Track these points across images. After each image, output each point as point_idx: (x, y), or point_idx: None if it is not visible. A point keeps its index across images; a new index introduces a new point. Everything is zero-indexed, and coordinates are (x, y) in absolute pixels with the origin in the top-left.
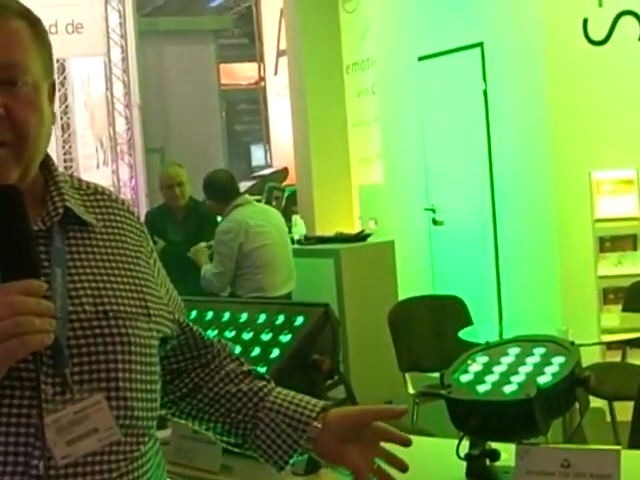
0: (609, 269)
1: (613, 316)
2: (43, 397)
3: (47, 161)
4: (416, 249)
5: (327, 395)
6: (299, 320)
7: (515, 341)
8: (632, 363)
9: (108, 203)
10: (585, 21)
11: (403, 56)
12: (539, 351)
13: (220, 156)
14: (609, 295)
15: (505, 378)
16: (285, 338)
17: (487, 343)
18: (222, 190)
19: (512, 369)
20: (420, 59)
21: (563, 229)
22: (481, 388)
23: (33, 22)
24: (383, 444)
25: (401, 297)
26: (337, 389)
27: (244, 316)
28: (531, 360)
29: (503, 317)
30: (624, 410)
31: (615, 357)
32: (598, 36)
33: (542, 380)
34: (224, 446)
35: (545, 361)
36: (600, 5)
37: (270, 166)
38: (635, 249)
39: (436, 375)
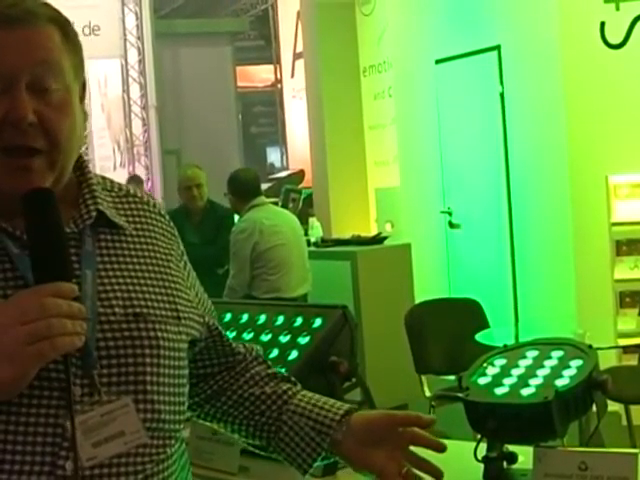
0: (626, 273)
1: (629, 320)
2: (71, 398)
3: (80, 163)
4: (432, 252)
5: (344, 397)
6: (317, 322)
7: (533, 344)
8: None
9: (140, 206)
10: (602, 24)
11: (420, 59)
12: (557, 354)
13: (236, 158)
14: (625, 299)
15: (523, 381)
16: (303, 340)
17: (505, 346)
18: (245, 188)
19: (530, 372)
20: (437, 62)
21: (580, 232)
22: (499, 391)
23: (63, 25)
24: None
25: (417, 300)
26: (355, 391)
27: (262, 318)
28: (549, 363)
29: (519, 320)
30: (639, 414)
31: (631, 361)
32: (615, 39)
33: (560, 383)
34: (244, 447)
35: (563, 364)
36: (617, 9)
37: (286, 168)
38: None
39: (451, 378)
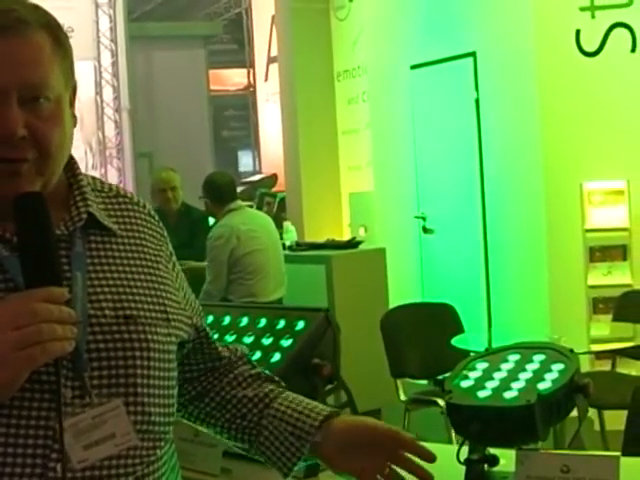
0: (599, 279)
1: (603, 325)
2: (62, 401)
3: (71, 165)
4: (406, 257)
5: (326, 400)
6: (300, 325)
7: (515, 348)
8: (622, 372)
9: (130, 206)
10: (578, 32)
11: (396, 64)
12: (539, 358)
13: (208, 162)
14: (599, 305)
15: (505, 384)
16: (286, 342)
17: (487, 350)
18: (221, 192)
19: (512, 375)
20: (413, 67)
21: (554, 239)
22: (482, 394)
23: (54, 30)
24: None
25: (391, 304)
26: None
27: (244, 320)
28: (531, 367)
29: (492, 325)
30: (612, 419)
31: (604, 366)
32: (590, 47)
33: (542, 386)
34: (226, 449)
35: (545, 368)
36: (593, 17)
37: (259, 172)
38: (625, 259)
39: (424, 382)
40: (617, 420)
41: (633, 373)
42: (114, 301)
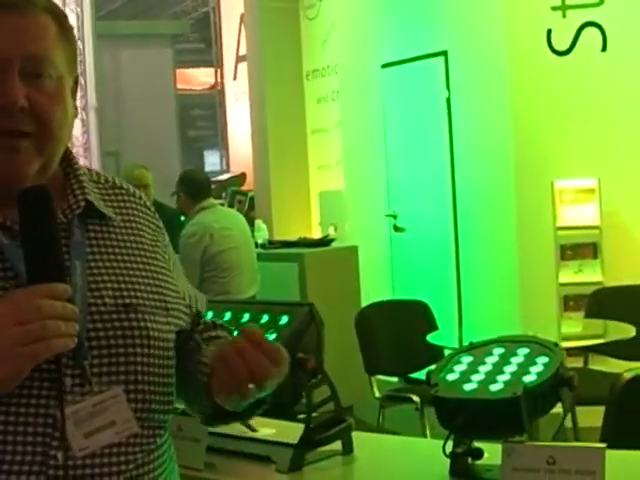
0: (570, 277)
1: (574, 323)
2: (62, 389)
3: (67, 154)
4: (377, 255)
5: (311, 394)
6: (284, 319)
7: (499, 341)
8: (594, 369)
9: (126, 197)
10: (549, 31)
11: (366, 63)
12: (523, 351)
13: (175, 161)
14: (570, 302)
15: (491, 377)
16: (270, 337)
17: (471, 343)
18: (197, 188)
19: (497, 369)
20: (383, 66)
21: (525, 236)
22: (468, 387)
23: (59, 17)
24: None
25: (363, 302)
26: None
27: (227, 315)
28: (515, 360)
29: (463, 323)
30: (584, 416)
31: (576, 363)
32: (562, 46)
33: (528, 379)
34: (209, 444)
35: (529, 361)
36: (564, 16)
37: (227, 171)
38: (595, 257)
39: (395, 380)
40: (589, 417)
41: (605, 369)
42: (114, 289)
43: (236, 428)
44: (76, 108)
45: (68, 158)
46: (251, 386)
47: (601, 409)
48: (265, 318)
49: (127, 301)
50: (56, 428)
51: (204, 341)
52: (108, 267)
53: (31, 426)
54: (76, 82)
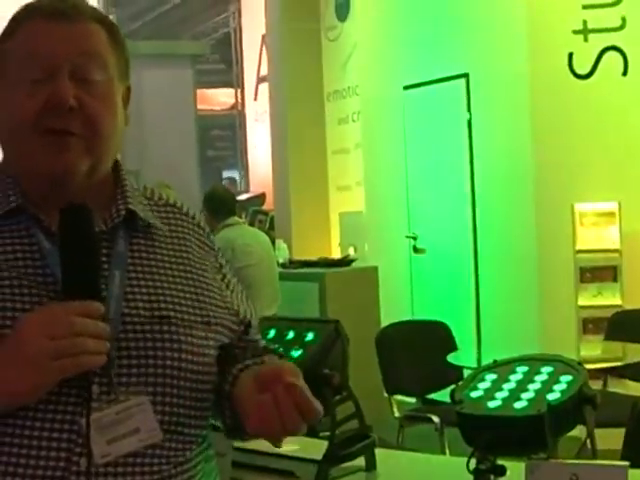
0: (589, 299)
1: (593, 345)
2: (88, 396)
3: (117, 165)
4: (397, 276)
5: (336, 410)
6: (309, 336)
7: (522, 360)
8: (613, 391)
9: (177, 215)
10: (570, 55)
11: (388, 84)
12: (547, 369)
13: (195, 180)
14: (589, 325)
15: (515, 395)
16: (296, 353)
17: (495, 361)
18: (221, 205)
19: (521, 386)
20: (405, 88)
21: (544, 259)
22: (492, 404)
23: (110, 27)
24: None
25: (382, 323)
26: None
27: None
28: (539, 378)
29: (482, 345)
30: (603, 438)
31: (595, 386)
32: (583, 70)
33: (551, 397)
34: (235, 459)
35: (553, 379)
36: (585, 40)
37: (247, 191)
38: (615, 280)
39: (412, 401)
40: (608, 439)
41: (624, 392)
42: (150, 301)
43: (260, 444)
44: (127, 117)
45: (118, 169)
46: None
47: (620, 431)
48: (291, 334)
49: (163, 313)
50: (80, 434)
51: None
52: (148, 279)
53: (56, 432)
54: (128, 91)
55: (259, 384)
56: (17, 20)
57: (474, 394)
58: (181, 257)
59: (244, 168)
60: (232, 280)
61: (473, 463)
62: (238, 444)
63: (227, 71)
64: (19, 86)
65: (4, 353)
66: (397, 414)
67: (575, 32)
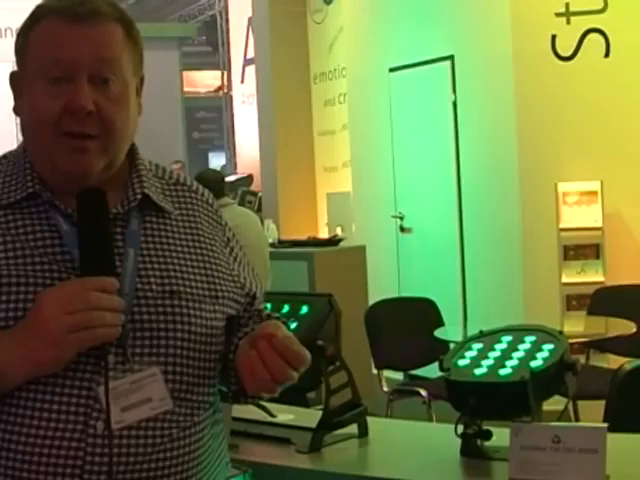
0: (572, 277)
1: (576, 321)
2: (105, 366)
3: (133, 150)
4: (383, 255)
5: (329, 379)
6: (304, 309)
7: (507, 330)
8: (595, 365)
9: (187, 193)
10: (553, 37)
11: (374, 67)
12: (530, 339)
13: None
14: (572, 301)
15: (500, 363)
16: (292, 325)
17: (481, 332)
18: (212, 187)
19: (506, 355)
20: (391, 70)
21: (529, 237)
22: (478, 371)
23: (126, 24)
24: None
25: (370, 301)
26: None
27: None
28: (523, 347)
29: (467, 321)
30: (586, 411)
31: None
32: (566, 52)
33: (534, 364)
34: (233, 428)
35: (536, 348)
36: (568, 22)
37: (234, 173)
38: (597, 258)
39: (398, 377)
40: (591, 411)
41: (606, 366)
42: (162, 277)
43: (256, 413)
44: (140, 106)
45: (133, 154)
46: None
47: (602, 403)
48: (286, 308)
49: (174, 288)
50: (97, 401)
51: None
52: (160, 256)
53: (75, 397)
54: (142, 81)
55: (249, 345)
56: (38, 14)
57: (461, 362)
58: (191, 234)
59: (231, 150)
60: (239, 253)
61: (461, 428)
62: (236, 414)
63: (212, 53)
64: (39, 81)
65: (27, 328)
66: (386, 388)
67: (558, 14)
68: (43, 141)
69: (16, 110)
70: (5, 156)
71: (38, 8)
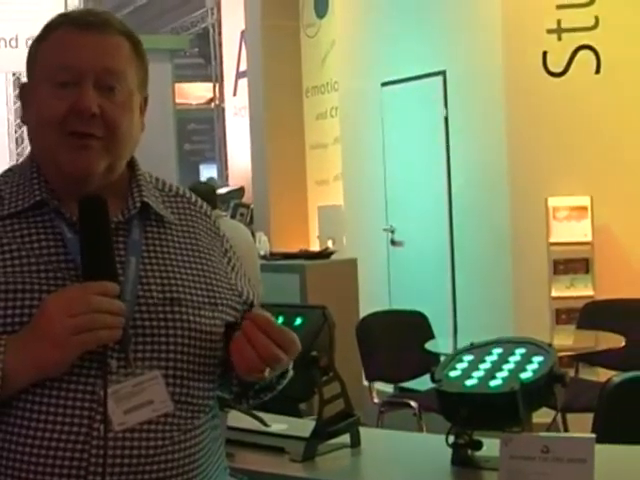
0: (562, 291)
1: (565, 335)
2: (107, 370)
3: (133, 162)
4: (374, 268)
5: (323, 390)
6: (298, 320)
7: (497, 342)
8: (584, 378)
9: (187, 205)
10: (544, 54)
11: (366, 81)
12: (520, 351)
13: (173, 175)
14: (562, 315)
15: (490, 374)
16: None
17: (472, 344)
18: (203, 199)
19: (496, 366)
20: (383, 84)
21: (519, 251)
22: (469, 382)
23: (134, 41)
24: None
25: (361, 313)
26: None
27: None
28: (513, 359)
29: (457, 334)
30: (575, 423)
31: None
32: (557, 68)
33: (524, 376)
34: (228, 436)
35: (526, 360)
36: (559, 39)
37: (226, 185)
38: (587, 272)
39: (389, 390)
40: (579, 424)
41: (595, 379)
42: (162, 285)
43: (251, 423)
44: (143, 124)
45: (133, 165)
46: (264, 368)
47: (590, 416)
48: (280, 319)
49: (175, 295)
50: (100, 404)
51: None
52: (160, 264)
53: (79, 401)
54: (145, 101)
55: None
56: (51, 26)
57: (453, 374)
58: (190, 244)
59: (222, 162)
60: (236, 264)
61: (452, 438)
62: (230, 423)
63: (204, 66)
64: (46, 85)
65: (32, 331)
66: (377, 400)
67: (549, 31)
68: (48, 141)
69: (24, 119)
70: (11, 169)
71: (52, 21)
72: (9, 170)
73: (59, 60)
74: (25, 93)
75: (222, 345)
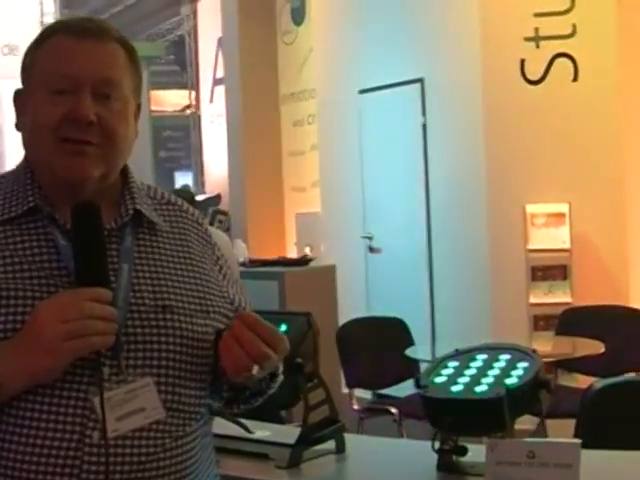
0: (540, 297)
1: (543, 341)
2: (101, 377)
3: (125, 170)
4: (353, 275)
5: (308, 396)
6: (282, 327)
7: (482, 348)
8: (563, 384)
9: (178, 213)
10: (522, 61)
11: (344, 88)
12: (505, 357)
13: (149, 182)
14: (540, 322)
15: (476, 380)
16: None
17: (457, 350)
18: None
19: (481, 372)
20: (361, 92)
21: (497, 258)
22: (454, 388)
23: (129, 49)
24: None
25: (340, 320)
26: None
27: None
28: (498, 365)
29: (436, 341)
30: (554, 429)
31: None
32: (534, 76)
33: (509, 382)
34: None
35: (511, 365)
36: (537, 47)
37: (202, 192)
38: (565, 279)
39: (367, 397)
40: (559, 430)
41: (574, 385)
42: (154, 292)
43: (234, 430)
44: (136, 131)
45: (126, 175)
46: (252, 366)
47: (570, 422)
48: None
49: (166, 303)
50: (93, 411)
51: None
52: (152, 271)
53: (71, 408)
54: (138, 108)
55: None
56: (47, 33)
57: (438, 379)
58: (182, 251)
59: (198, 169)
60: (227, 271)
61: (437, 444)
62: (215, 430)
63: (179, 73)
64: (42, 92)
65: (24, 338)
66: (356, 406)
67: (527, 39)
68: (42, 147)
69: (18, 127)
70: (3, 176)
71: (48, 27)
72: (2, 177)
73: (56, 68)
74: (19, 100)
75: (212, 352)
